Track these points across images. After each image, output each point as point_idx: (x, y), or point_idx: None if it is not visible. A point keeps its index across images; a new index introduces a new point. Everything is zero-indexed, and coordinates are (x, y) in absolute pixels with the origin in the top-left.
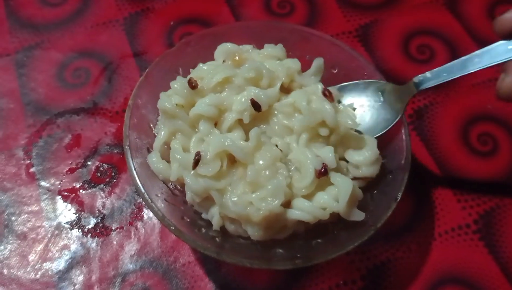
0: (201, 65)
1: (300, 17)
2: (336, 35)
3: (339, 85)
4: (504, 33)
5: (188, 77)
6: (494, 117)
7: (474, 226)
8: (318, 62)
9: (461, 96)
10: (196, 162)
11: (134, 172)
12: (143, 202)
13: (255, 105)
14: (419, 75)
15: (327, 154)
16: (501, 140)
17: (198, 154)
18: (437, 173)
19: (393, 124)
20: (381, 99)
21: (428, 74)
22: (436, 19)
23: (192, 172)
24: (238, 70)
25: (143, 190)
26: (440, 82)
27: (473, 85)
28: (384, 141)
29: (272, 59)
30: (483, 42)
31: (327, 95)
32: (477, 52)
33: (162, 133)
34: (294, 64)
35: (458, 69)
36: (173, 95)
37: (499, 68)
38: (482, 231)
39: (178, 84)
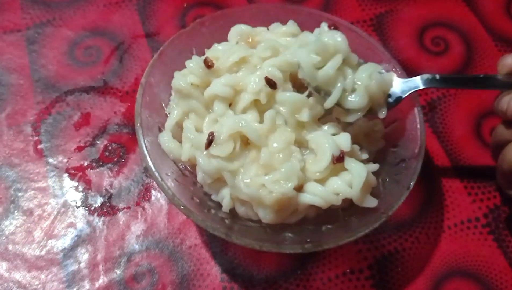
0: (216, 45)
1: (315, 3)
2: (350, 24)
3: None
4: (505, 73)
5: (204, 56)
6: None
7: (484, 220)
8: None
9: (477, 91)
10: (210, 142)
11: (145, 150)
12: (151, 183)
13: (270, 82)
14: (428, 74)
15: (344, 140)
16: None
17: (211, 134)
18: (448, 166)
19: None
20: None
21: (435, 76)
22: (452, 11)
23: (204, 152)
24: (254, 50)
25: (153, 169)
26: (445, 88)
27: None
28: (398, 130)
29: (286, 36)
30: (498, 36)
31: (335, 28)
32: (482, 75)
33: (175, 112)
34: (310, 37)
35: (464, 83)
36: (188, 74)
37: None
38: (491, 225)
39: (194, 63)
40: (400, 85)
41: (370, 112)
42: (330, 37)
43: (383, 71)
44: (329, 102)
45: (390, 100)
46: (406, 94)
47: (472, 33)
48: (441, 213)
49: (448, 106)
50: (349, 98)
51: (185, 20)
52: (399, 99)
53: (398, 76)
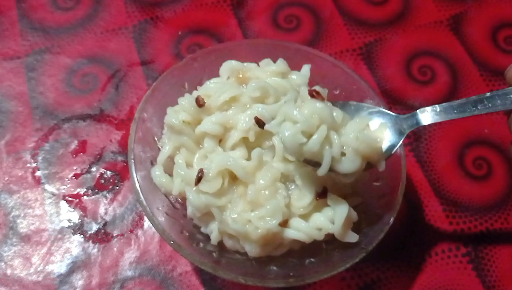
0: (208, 82)
1: (306, 32)
2: (340, 52)
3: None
4: None
5: (196, 94)
6: (491, 141)
7: (464, 249)
8: (305, 69)
9: (460, 120)
10: (199, 179)
11: (138, 186)
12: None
13: (259, 122)
14: (425, 109)
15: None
16: (495, 165)
17: (201, 171)
18: (431, 195)
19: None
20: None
21: (435, 107)
22: (439, 40)
23: (194, 188)
24: (244, 89)
25: (145, 204)
26: (447, 119)
27: None
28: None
29: (276, 76)
30: (484, 66)
31: (315, 94)
32: (488, 94)
33: (167, 147)
34: (299, 78)
35: (468, 109)
36: (180, 111)
37: None
38: (471, 254)
39: (186, 102)
40: (397, 125)
41: (369, 165)
42: (312, 108)
43: (372, 121)
44: (321, 172)
45: (388, 147)
46: (406, 134)
47: (458, 63)
48: (423, 242)
49: (433, 135)
50: (341, 164)
51: (180, 47)
52: (398, 141)
53: (387, 116)
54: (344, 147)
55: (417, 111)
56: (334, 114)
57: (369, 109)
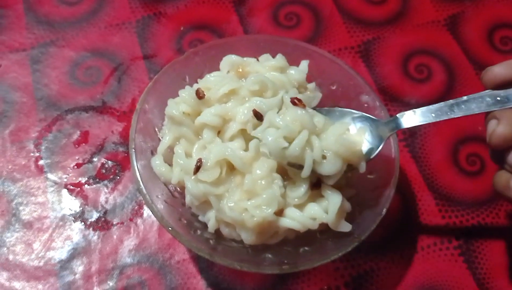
0: (208, 76)
1: (306, 30)
2: (338, 50)
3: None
4: (491, 85)
5: (196, 87)
6: (484, 139)
7: (456, 242)
8: (303, 64)
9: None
10: (197, 168)
11: (138, 175)
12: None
13: (257, 115)
14: (404, 113)
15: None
16: (488, 162)
17: (199, 160)
18: (424, 189)
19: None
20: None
21: (414, 112)
22: (436, 39)
23: (192, 177)
24: (243, 82)
25: (145, 191)
26: (424, 123)
27: None
28: (376, 158)
29: (275, 71)
30: (479, 64)
31: (297, 102)
32: (465, 97)
33: (167, 138)
34: (297, 74)
35: (445, 112)
36: (181, 103)
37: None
38: (462, 247)
39: (186, 93)
40: (379, 129)
41: (351, 166)
42: (294, 115)
43: (354, 125)
44: (304, 174)
45: (368, 149)
46: (387, 137)
47: (454, 62)
48: (415, 235)
49: (428, 132)
50: (322, 167)
51: (182, 43)
52: (379, 144)
53: (376, 112)
54: (325, 151)
55: (397, 115)
56: (316, 119)
57: (353, 114)
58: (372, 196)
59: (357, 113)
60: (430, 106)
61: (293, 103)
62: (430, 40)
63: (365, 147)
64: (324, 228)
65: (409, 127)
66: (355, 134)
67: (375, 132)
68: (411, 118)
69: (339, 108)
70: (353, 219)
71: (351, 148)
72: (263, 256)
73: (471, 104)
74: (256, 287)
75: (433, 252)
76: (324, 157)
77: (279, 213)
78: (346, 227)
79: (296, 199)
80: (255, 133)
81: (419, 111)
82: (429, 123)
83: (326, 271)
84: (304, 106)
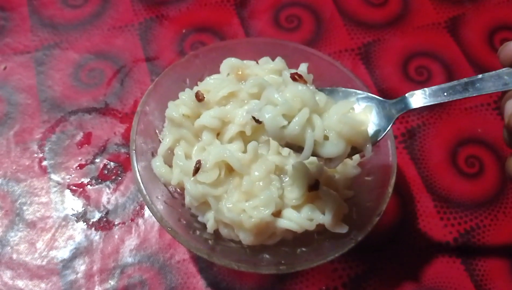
0: (208, 78)
1: (306, 32)
2: (339, 52)
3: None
4: (510, 62)
5: (196, 89)
6: (483, 140)
7: (454, 244)
8: (302, 67)
9: (454, 118)
10: (196, 170)
11: (138, 176)
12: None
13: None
14: (414, 92)
15: (318, 169)
16: (487, 164)
17: (198, 162)
18: (423, 191)
19: (375, 142)
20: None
21: (424, 90)
22: (436, 42)
23: (192, 179)
24: (242, 85)
25: (145, 192)
26: (437, 102)
27: (465, 109)
28: (373, 160)
29: (274, 74)
30: (479, 67)
31: (297, 78)
32: (480, 75)
33: (167, 139)
34: (275, 96)
35: (458, 91)
36: (181, 105)
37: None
38: (461, 249)
39: (186, 96)
40: (386, 109)
41: (355, 150)
42: (294, 91)
43: (358, 105)
44: (303, 157)
45: (375, 131)
46: (396, 118)
47: (454, 64)
48: (414, 236)
49: (427, 134)
50: (323, 148)
51: (183, 45)
52: (386, 126)
53: (374, 101)
54: (327, 131)
55: (406, 94)
56: (317, 97)
57: (357, 95)
58: (369, 198)
59: (362, 93)
60: (442, 85)
61: (293, 79)
62: (430, 42)
63: (371, 128)
64: (321, 229)
65: (409, 128)
66: (360, 113)
67: (382, 112)
68: (421, 98)
69: (343, 88)
70: (350, 220)
71: (356, 128)
72: (261, 256)
73: (487, 83)
74: (255, 287)
75: (431, 254)
76: (326, 137)
77: (277, 214)
78: (343, 228)
79: (293, 200)
80: (251, 111)
81: (429, 90)
82: (427, 125)
83: (324, 272)
84: (305, 82)
